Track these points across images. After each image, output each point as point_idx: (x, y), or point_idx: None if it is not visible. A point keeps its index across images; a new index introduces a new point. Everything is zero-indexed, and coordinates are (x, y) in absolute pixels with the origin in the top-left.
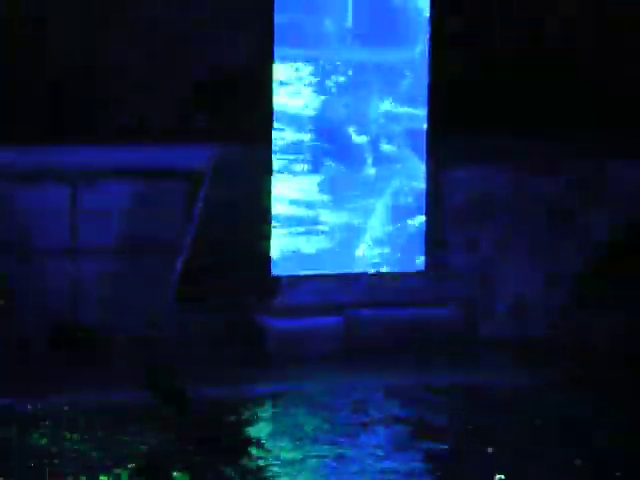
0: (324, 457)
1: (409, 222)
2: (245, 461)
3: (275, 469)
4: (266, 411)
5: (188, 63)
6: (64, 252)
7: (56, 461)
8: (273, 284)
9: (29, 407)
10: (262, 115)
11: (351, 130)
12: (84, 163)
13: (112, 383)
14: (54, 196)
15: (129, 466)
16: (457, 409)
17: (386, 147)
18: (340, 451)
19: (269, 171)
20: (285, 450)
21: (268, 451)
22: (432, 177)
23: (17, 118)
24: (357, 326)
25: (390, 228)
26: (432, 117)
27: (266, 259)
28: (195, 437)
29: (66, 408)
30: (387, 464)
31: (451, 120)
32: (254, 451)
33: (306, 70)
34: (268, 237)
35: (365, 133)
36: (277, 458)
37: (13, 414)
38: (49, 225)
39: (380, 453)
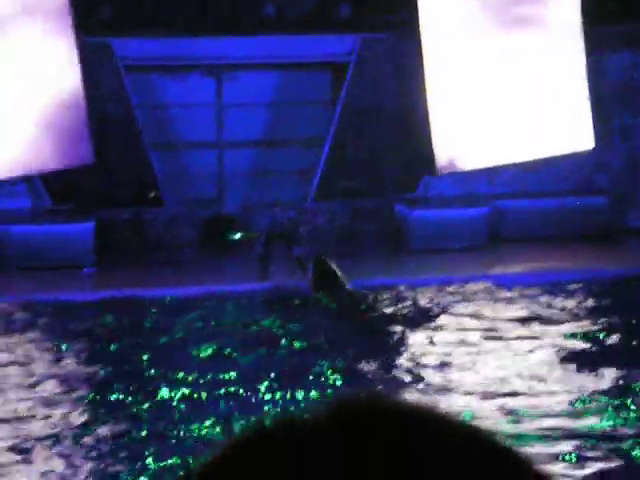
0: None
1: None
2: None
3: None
4: (407, 299)
5: None
6: (209, 145)
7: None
8: (418, 174)
9: (178, 295)
10: (408, 3)
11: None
12: (229, 55)
13: (256, 273)
14: (199, 89)
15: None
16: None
17: None
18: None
19: (416, 60)
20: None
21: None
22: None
23: (162, 11)
24: (503, 216)
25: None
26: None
27: (413, 149)
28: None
29: (215, 297)
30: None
31: (606, 6)
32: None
33: None
34: (415, 127)
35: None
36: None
37: (166, 301)
38: (195, 118)
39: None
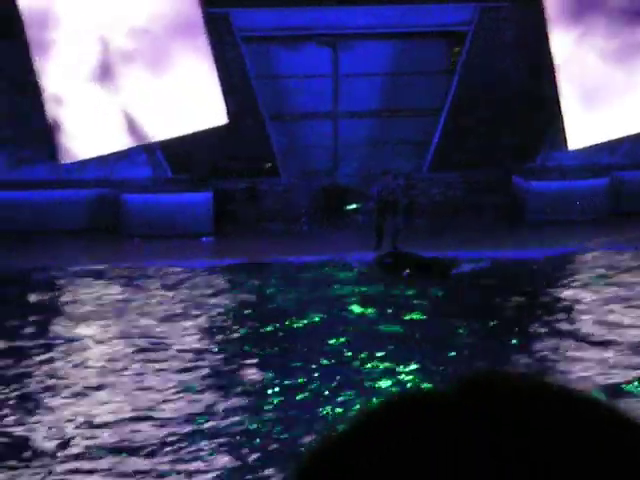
0: None
1: None
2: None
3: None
4: (527, 272)
5: None
6: (325, 115)
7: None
8: (536, 145)
9: (289, 262)
10: None
11: None
12: (345, 25)
13: (364, 244)
14: (315, 59)
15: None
16: None
17: None
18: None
19: (537, 29)
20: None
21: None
22: None
23: None
24: (623, 188)
25: None
26: None
27: (532, 119)
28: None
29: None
30: None
31: None
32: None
33: None
34: (534, 97)
35: None
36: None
37: (275, 268)
38: (311, 89)
39: None
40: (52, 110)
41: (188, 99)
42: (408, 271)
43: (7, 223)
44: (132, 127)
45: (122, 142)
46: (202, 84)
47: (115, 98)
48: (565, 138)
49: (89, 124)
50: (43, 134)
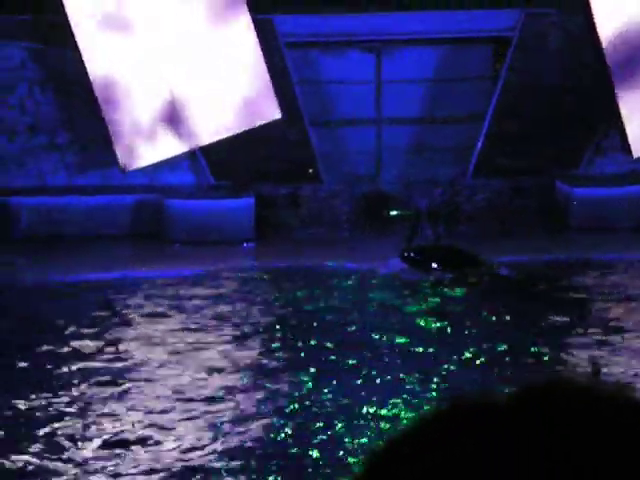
0: None
1: None
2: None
3: None
4: (565, 278)
5: None
6: (368, 122)
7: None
8: (579, 151)
9: (329, 268)
10: None
11: None
12: (389, 31)
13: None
14: (358, 65)
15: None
16: None
17: None
18: None
19: (583, 36)
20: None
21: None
22: None
23: None
24: None
25: None
26: None
27: (577, 125)
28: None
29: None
30: None
31: None
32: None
33: None
34: (580, 103)
35: None
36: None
37: (316, 274)
38: (354, 95)
39: None
40: (105, 116)
41: (240, 97)
42: (436, 265)
43: (52, 227)
44: (184, 132)
45: (175, 148)
46: (256, 77)
47: (168, 104)
48: (627, 145)
49: (145, 131)
50: (92, 140)
